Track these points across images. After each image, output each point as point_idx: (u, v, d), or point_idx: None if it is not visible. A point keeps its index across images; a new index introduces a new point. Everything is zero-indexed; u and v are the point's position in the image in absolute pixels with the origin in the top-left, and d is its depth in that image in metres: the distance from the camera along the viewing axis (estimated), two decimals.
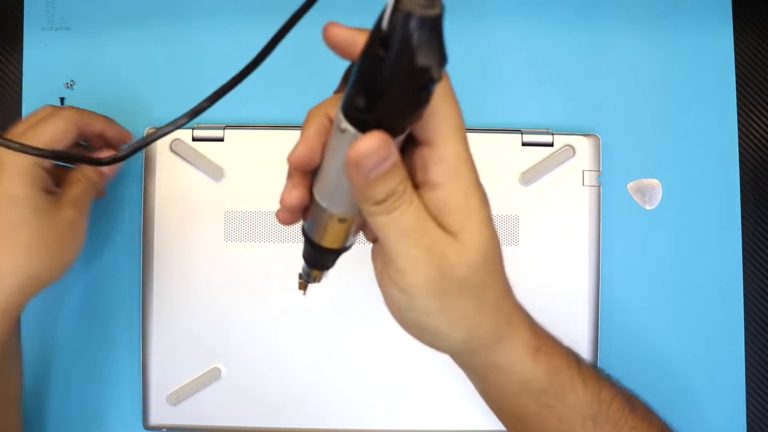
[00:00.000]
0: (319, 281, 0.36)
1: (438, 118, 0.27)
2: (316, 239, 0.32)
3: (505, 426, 0.39)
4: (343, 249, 0.33)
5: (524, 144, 0.49)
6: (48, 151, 0.30)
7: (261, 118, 0.51)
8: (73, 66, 0.52)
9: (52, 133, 0.41)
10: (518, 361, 0.33)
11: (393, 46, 0.22)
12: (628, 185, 0.52)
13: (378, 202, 0.27)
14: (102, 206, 0.50)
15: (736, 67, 0.52)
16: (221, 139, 0.49)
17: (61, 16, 0.52)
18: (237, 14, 0.53)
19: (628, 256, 0.51)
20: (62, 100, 0.52)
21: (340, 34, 0.27)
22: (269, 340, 0.48)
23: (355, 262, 0.49)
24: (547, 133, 0.49)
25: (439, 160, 0.28)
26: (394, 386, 0.48)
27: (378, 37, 0.22)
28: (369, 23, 0.24)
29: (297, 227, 0.49)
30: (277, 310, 0.48)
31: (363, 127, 0.25)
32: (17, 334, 0.45)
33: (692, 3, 0.52)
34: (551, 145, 0.49)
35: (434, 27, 0.22)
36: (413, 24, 0.22)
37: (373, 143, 0.24)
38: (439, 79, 0.23)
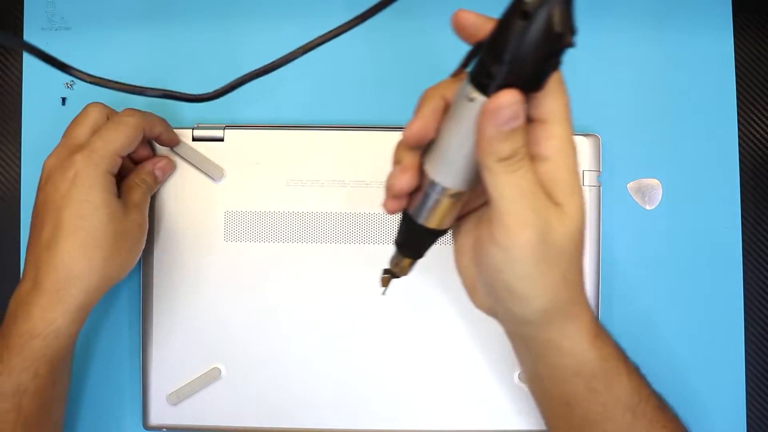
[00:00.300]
0: (406, 274, 0.38)
1: (552, 99, 0.30)
2: (421, 221, 0.33)
3: (545, 412, 0.40)
4: (445, 231, 0.34)
5: None
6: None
7: (261, 118, 0.51)
8: (73, 65, 0.52)
9: (122, 143, 0.43)
10: (579, 343, 0.35)
11: (535, 15, 0.26)
12: (628, 185, 0.52)
13: (502, 159, 0.29)
14: None
15: (736, 67, 0.52)
16: (221, 139, 0.49)
17: (61, 16, 0.52)
18: (237, 14, 0.53)
19: (628, 256, 0.51)
20: (63, 100, 0.52)
21: (470, 18, 0.30)
22: (269, 340, 0.48)
23: (356, 263, 0.49)
24: None
25: (551, 136, 0.31)
26: (394, 386, 0.48)
27: (519, 9, 0.26)
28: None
29: (295, 227, 0.49)
30: (277, 310, 0.48)
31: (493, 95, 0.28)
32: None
33: (692, 3, 0.52)
34: None
35: (569, 0, 0.26)
36: None
37: (510, 97, 0.28)
38: (572, 45, 0.27)
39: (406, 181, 0.33)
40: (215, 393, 0.48)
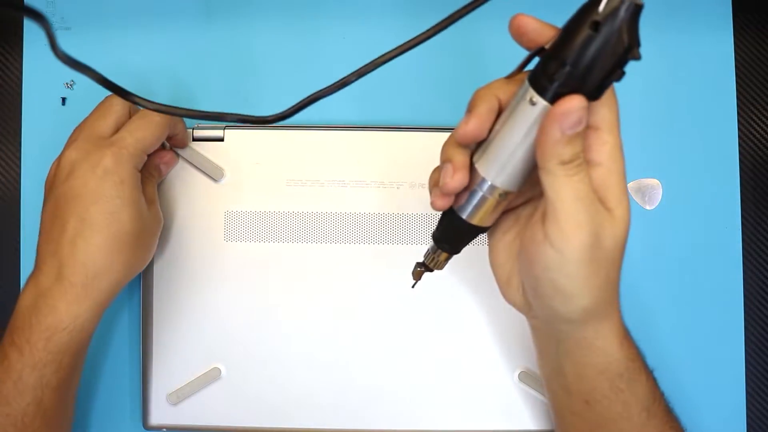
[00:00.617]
0: (441, 268, 0.39)
1: (605, 107, 0.32)
2: (467, 217, 0.35)
3: (560, 410, 0.41)
4: (486, 228, 0.36)
5: None
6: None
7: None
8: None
9: (151, 141, 0.43)
10: (611, 342, 0.37)
11: (605, 27, 0.28)
12: (628, 185, 0.52)
13: (564, 162, 0.30)
14: None
15: (736, 67, 0.52)
16: (221, 139, 0.49)
17: (61, 16, 0.52)
18: (236, 14, 0.53)
19: (628, 256, 0.51)
20: (63, 100, 0.52)
21: (531, 23, 0.31)
22: (269, 340, 0.48)
23: (356, 263, 0.49)
24: None
25: (604, 143, 0.32)
26: (394, 386, 0.48)
27: (589, 20, 0.28)
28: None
29: (294, 227, 0.49)
30: (277, 310, 0.48)
31: (555, 100, 0.30)
32: None
33: (692, 3, 0.52)
34: None
35: (638, 14, 0.28)
36: (626, 9, 0.27)
37: (577, 102, 0.29)
38: (638, 57, 0.28)
39: (459, 180, 0.33)
40: (215, 393, 0.48)
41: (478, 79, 0.54)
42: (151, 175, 0.46)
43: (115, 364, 0.51)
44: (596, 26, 0.28)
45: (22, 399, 0.40)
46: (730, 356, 0.51)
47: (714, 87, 0.52)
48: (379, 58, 0.34)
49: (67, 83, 0.52)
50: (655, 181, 0.52)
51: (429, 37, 0.33)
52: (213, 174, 0.49)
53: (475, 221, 0.35)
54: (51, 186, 0.43)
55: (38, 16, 0.29)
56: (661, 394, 0.39)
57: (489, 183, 0.33)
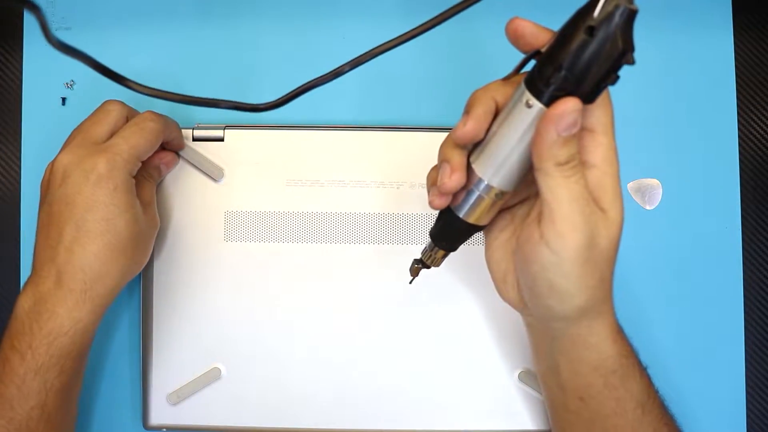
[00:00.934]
0: (438, 265, 0.40)
1: (600, 110, 0.32)
2: (464, 216, 0.36)
3: (556, 407, 0.42)
4: (482, 227, 0.37)
5: None
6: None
7: (261, 118, 0.51)
8: (73, 66, 0.51)
9: (145, 149, 0.43)
10: (604, 339, 0.37)
11: (600, 32, 0.28)
12: (628, 185, 0.52)
13: (559, 163, 0.31)
14: None
15: (736, 67, 0.52)
16: (221, 139, 0.49)
17: (62, 16, 0.52)
18: (236, 14, 0.53)
19: (628, 256, 0.51)
20: (63, 100, 0.52)
21: (528, 27, 0.32)
22: (269, 340, 0.48)
23: (356, 263, 0.49)
24: None
25: (598, 145, 0.33)
26: (394, 386, 0.48)
27: (584, 24, 0.28)
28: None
29: (294, 227, 0.49)
30: (277, 310, 0.48)
31: (550, 103, 0.30)
32: None
33: (692, 3, 0.52)
34: None
35: (632, 19, 0.28)
36: (620, 14, 0.28)
37: (572, 105, 0.30)
38: (632, 62, 0.29)
39: (456, 179, 0.34)
40: (215, 393, 0.48)
41: (477, 79, 0.54)
42: (150, 175, 0.46)
43: (115, 364, 0.51)
44: (591, 31, 0.28)
45: (26, 403, 0.40)
46: (730, 356, 0.51)
47: (714, 87, 0.52)
48: (374, 48, 0.34)
49: (67, 83, 0.52)
50: (655, 181, 0.52)
51: (424, 31, 0.33)
52: (213, 174, 0.49)
53: (472, 220, 0.36)
54: (46, 190, 0.43)
55: (30, 5, 0.29)
56: (656, 392, 0.40)
57: (485, 183, 0.34)
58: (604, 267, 0.35)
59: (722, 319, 0.51)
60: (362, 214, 0.49)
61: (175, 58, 0.52)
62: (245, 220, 0.49)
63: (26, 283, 0.42)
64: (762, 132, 0.53)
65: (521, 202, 0.38)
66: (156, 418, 0.48)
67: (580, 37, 0.28)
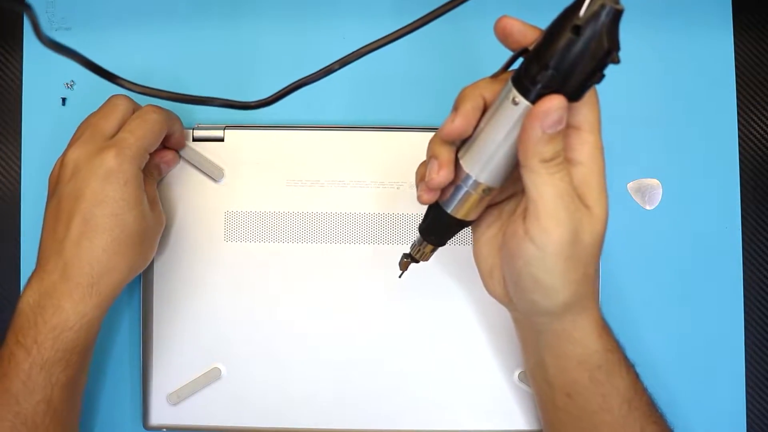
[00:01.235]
0: (427, 260, 0.40)
1: (586, 108, 0.33)
2: (451, 211, 0.36)
3: (544, 405, 0.42)
4: (470, 222, 0.37)
5: None
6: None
7: (261, 118, 0.51)
8: (73, 66, 0.52)
9: (151, 140, 0.43)
10: (588, 333, 0.38)
11: (586, 31, 0.28)
12: (628, 185, 0.52)
13: (545, 160, 0.31)
14: None
15: (736, 67, 0.52)
16: (221, 139, 0.49)
17: (62, 16, 0.52)
18: (236, 16, 0.53)
19: (628, 256, 0.51)
20: (64, 100, 0.52)
21: (516, 25, 0.32)
22: (269, 340, 0.48)
23: (356, 263, 0.49)
24: None
25: (584, 142, 0.33)
26: (394, 386, 0.48)
27: (570, 24, 0.29)
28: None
29: (294, 227, 0.49)
30: (277, 310, 0.48)
31: (537, 101, 0.30)
32: None
33: (692, 3, 0.52)
34: None
35: (618, 18, 0.28)
36: (606, 13, 0.28)
37: (557, 102, 0.30)
38: (617, 61, 0.29)
39: (444, 175, 0.34)
40: (215, 393, 0.48)
41: (476, 79, 0.54)
42: (150, 174, 0.47)
43: (116, 364, 0.51)
44: (577, 30, 0.29)
45: (32, 398, 0.40)
46: (730, 357, 0.51)
47: (714, 87, 0.52)
48: (364, 47, 0.34)
49: (67, 83, 0.52)
50: (655, 181, 0.52)
51: (417, 28, 0.34)
52: (213, 174, 0.49)
53: (460, 215, 0.36)
54: (54, 185, 0.43)
55: (22, 4, 0.29)
56: (644, 389, 0.40)
57: (473, 179, 0.34)
58: (588, 263, 0.35)
59: (722, 319, 0.51)
60: (362, 215, 0.49)
61: (176, 58, 0.52)
62: (245, 221, 0.49)
63: (30, 278, 0.42)
64: (762, 132, 0.53)
65: (508, 198, 0.38)
66: (156, 418, 0.48)
67: (567, 36, 0.29)
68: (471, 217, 0.37)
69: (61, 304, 0.40)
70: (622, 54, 0.30)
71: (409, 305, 0.48)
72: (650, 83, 0.52)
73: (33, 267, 0.42)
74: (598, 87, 0.33)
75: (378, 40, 0.34)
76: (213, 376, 0.48)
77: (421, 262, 0.41)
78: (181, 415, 0.48)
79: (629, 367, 0.40)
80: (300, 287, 0.49)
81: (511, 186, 0.37)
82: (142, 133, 0.43)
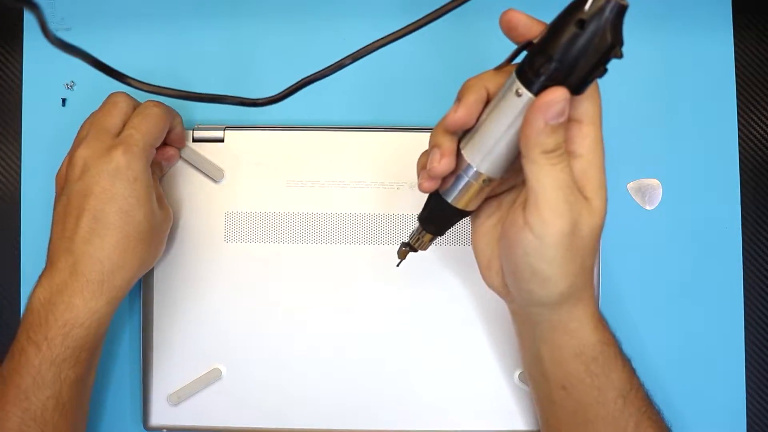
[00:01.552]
0: (425, 249, 0.41)
1: (588, 102, 0.33)
2: (452, 201, 0.37)
3: (541, 399, 0.42)
4: (469, 212, 0.38)
5: None
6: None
7: (261, 118, 0.51)
8: (73, 67, 0.52)
9: (155, 135, 0.44)
10: (584, 325, 0.38)
11: (590, 25, 0.29)
12: (628, 185, 0.52)
13: (546, 151, 0.32)
14: None
15: (736, 67, 0.52)
16: (221, 140, 0.49)
17: (62, 17, 0.52)
18: (237, 16, 0.53)
19: (628, 256, 0.51)
20: (64, 101, 0.52)
21: (521, 19, 0.33)
22: (270, 341, 0.48)
23: (356, 263, 0.49)
24: None
25: (585, 135, 0.34)
26: (394, 387, 0.48)
27: (575, 18, 0.29)
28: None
29: (295, 228, 0.49)
30: (277, 311, 0.48)
31: (540, 93, 0.31)
32: None
33: (692, 3, 0.52)
34: None
35: (622, 14, 0.29)
36: (610, 9, 0.29)
37: (560, 94, 0.30)
38: (620, 56, 0.30)
39: (445, 164, 0.35)
40: (216, 394, 0.48)
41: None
42: (153, 171, 0.46)
43: (116, 364, 0.51)
44: (582, 24, 0.29)
45: (42, 394, 0.40)
46: (730, 356, 0.51)
47: (714, 87, 0.52)
48: (374, 42, 0.35)
49: (67, 84, 0.52)
50: (655, 181, 0.52)
51: (428, 22, 0.34)
52: (213, 175, 0.49)
53: (460, 205, 0.37)
54: (63, 183, 0.43)
55: (29, 3, 0.29)
56: (641, 385, 0.40)
57: (474, 169, 0.35)
58: (586, 255, 0.35)
59: (722, 319, 0.51)
60: (362, 215, 0.49)
61: (176, 59, 0.52)
62: (246, 221, 0.49)
63: (41, 276, 0.42)
64: (762, 132, 0.53)
65: (508, 190, 0.39)
66: (156, 418, 0.48)
67: (571, 29, 0.29)
68: (471, 208, 0.37)
69: (72, 300, 0.40)
70: (625, 51, 0.30)
71: (409, 306, 0.48)
72: (650, 83, 0.52)
73: (33, 267, 0.43)
74: (602, 83, 0.33)
75: (389, 35, 0.34)
76: (213, 376, 0.48)
77: (420, 252, 0.41)
78: (182, 416, 0.48)
79: (625, 361, 0.40)
80: (300, 288, 0.49)
81: (511, 178, 0.38)
82: (147, 128, 0.43)
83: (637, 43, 0.52)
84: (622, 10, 0.29)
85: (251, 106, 0.37)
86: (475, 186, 0.35)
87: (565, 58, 0.30)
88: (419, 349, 0.49)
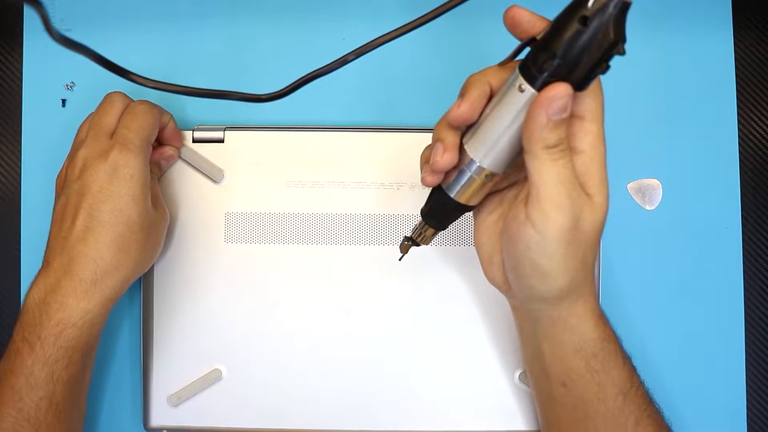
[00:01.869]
0: (427, 243, 0.41)
1: (590, 98, 0.34)
2: (454, 196, 0.37)
3: (541, 396, 0.42)
4: (472, 207, 0.38)
5: None
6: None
7: (261, 119, 0.51)
8: (73, 67, 0.52)
9: (148, 131, 0.44)
10: (584, 321, 0.38)
11: (593, 22, 0.29)
12: (628, 185, 0.52)
13: (548, 146, 0.32)
14: None
15: (736, 67, 0.52)
16: (221, 141, 0.49)
17: (61, 18, 0.52)
18: (237, 16, 0.53)
19: (628, 256, 0.51)
20: (64, 101, 0.52)
21: (525, 15, 0.33)
22: (270, 342, 0.48)
23: (356, 264, 0.49)
24: None
25: (587, 132, 0.34)
26: (394, 387, 0.48)
27: (578, 15, 0.29)
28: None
29: (295, 228, 0.49)
30: (277, 311, 0.49)
31: (542, 88, 0.31)
32: None
33: (692, 3, 0.52)
34: None
35: (625, 11, 0.29)
36: (613, 5, 0.29)
37: (563, 89, 0.30)
38: (623, 53, 0.30)
39: (448, 159, 0.35)
40: (216, 394, 0.48)
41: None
42: (151, 171, 0.47)
43: (116, 365, 0.51)
44: (585, 21, 0.29)
45: (35, 394, 0.40)
46: (730, 356, 0.51)
47: (714, 87, 0.52)
48: (378, 38, 0.35)
49: (67, 85, 0.52)
50: (655, 181, 0.52)
51: (431, 19, 0.34)
52: (213, 175, 0.49)
53: (462, 200, 0.37)
54: (63, 184, 0.44)
55: (31, 1, 0.29)
56: (641, 382, 0.40)
57: (477, 164, 0.35)
58: (587, 250, 0.35)
59: (722, 318, 0.51)
60: (363, 216, 0.49)
61: (176, 59, 0.52)
62: (246, 222, 0.49)
63: (37, 275, 0.42)
64: (762, 132, 0.53)
65: (510, 186, 0.39)
66: (157, 419, 0.48)
67: (574, 26, 0.29)
68: (473, 202, 0.37)
69: (65, 300, 0.40)
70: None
71: (409, 306, 0.48)
72: (650, 83, 0.52)
73: (33, 267, 0.43)
74: (602, 83, 0.34)
75: (395, 30, 0.35)
76: (213, 377, 0.48)
77: (422, 247, 0.41)
78: (182, 417, 0.48)
79: (626, 359, 0.40)
80: (300, 288, 0.49)
81: (514, 173, 0.38)
82: (137, 125, 0.43)
83: (637, 42, 0.52)
84: (625, 6, 0.29)
85: (255, 101, 0.37)
86: (478, 181, 0.36)
87: (568, 54, 0.30)
88: (419, 349, 0.49)
